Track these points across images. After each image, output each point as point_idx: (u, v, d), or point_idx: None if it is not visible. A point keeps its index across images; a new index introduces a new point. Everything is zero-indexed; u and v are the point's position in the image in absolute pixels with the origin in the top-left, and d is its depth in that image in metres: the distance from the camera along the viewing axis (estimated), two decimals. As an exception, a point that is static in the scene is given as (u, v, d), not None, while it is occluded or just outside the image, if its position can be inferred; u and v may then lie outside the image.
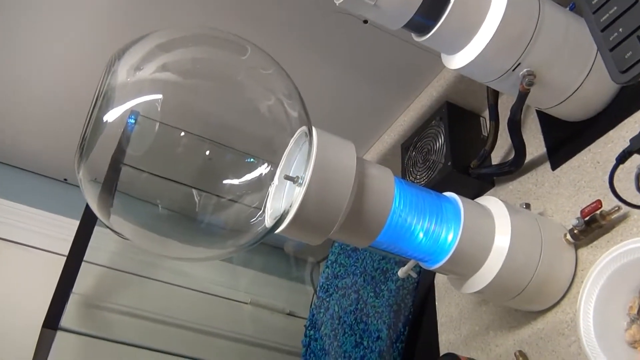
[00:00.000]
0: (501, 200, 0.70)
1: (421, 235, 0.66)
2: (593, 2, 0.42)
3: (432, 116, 1.03)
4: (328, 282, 1.18)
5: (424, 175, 0.96)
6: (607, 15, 0.41)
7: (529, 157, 0.83)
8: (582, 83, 0.72)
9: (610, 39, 0.40)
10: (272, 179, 0.65)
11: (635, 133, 0.60)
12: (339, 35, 1.00)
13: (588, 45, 0.72)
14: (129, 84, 0.60)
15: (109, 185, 0.62)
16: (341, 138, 0.66)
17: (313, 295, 1.28)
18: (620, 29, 0.39)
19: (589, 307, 0.61)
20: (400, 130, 1.11)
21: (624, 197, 0.59)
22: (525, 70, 0.70)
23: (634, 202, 0.53)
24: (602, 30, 0.41)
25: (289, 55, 1.03)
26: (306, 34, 1.01)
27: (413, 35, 0.74)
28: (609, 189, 0.47)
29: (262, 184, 0.65)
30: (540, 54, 0.70)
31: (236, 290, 1.30)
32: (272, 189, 0.65)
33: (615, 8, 0.40)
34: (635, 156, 0.50)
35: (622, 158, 0.44)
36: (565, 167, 0.77)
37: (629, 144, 0.45)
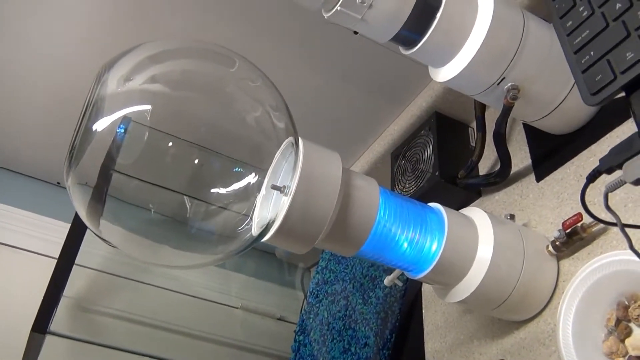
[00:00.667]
0: (485, 211, 0.71)
1: (405, 245, 0.67)
2: (567, 25, 0.43)
3: (421, 126, 1.04)
4: (318, 288, 1.19)
5: (412, 184, 0.97)
6: (580, 38, 0.42)
7: (515, 169, 0.85)
8: (565, 97, 0.74)
9: (582, 61, 0.41)
10: (259, 188, 0.66)
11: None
12: (330, 44, 1.02)
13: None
14: (119, 94, 0.61)
15: (99, 193, 0.63)
16: (327, 149, 0.67)
17: (303, 300, 1.29)
18: (592, 52, 0.41)
19: (568, 318, 0.62)
20: (390, 139, 1.12)
21: (603, 212, 0.60)
22: (509, 84, 0.71)
23: (608, 218, 0.54)
24: (575, 53, 0.42)
25: (278, 64, 1.04)
26: (297, 43, 1.02)
27: (400, 48, 0.75)
28: (581, 206, 0.48)
29: (250, 193, 0.66)
30: (525, 68, 0.71)
31: (227, 294, 1.31)
32: (259, 198, 0.67)
33: (587, 32, 0.41)
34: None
35: (593, 177, 0.45)
36: (549, 179, 0.79)
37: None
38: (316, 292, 1.19)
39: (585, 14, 0.42)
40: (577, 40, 0.42)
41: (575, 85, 0.73)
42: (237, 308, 1.30)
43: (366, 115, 1.14)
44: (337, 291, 1.12)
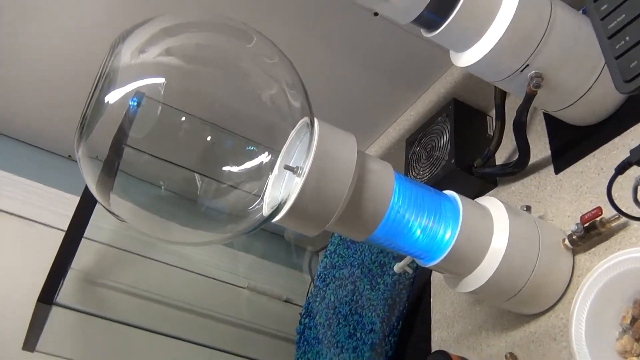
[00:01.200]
0: (501, 201, 0.70)
1: (418, 232, 0.66)
2: (601, 9, 0.41)
3: (438, 112, 1.02)
4: (326, 272, 1.18)
5: (427, 171, 0.95)
6: (615, 22, 0.40)
7: (533, 159, 0.83)
8: (590, 88, 0.71)
9: (617, 47, 0.39)
10: (272, 168, 0.65)
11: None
12: (348, 25, 1.00)
13: (598, 49, 0.71)
14: (132, 67, 0.60)
15: (110, 167, 0.62)
16: (343, 130, 0.66)
17: (310, 283, 1.29)
18: (627, 38, 0.39)
19: (582, 314, 0.61)
20: (405, 124, 1.10)
21: (625, 207, 0.58)
22: (533, 72, 0.69)
23: (633, 213, 0.52)
24: (609, 38, 0.40)
25: (296, 44, 1.02)
26: (315, 22, 1.00)
27: (422, 31, 0.73)
28: (607, 199, 0.47)
29: (262, 172, 0.65)
30: (549, 56, 0.69)
31: (235, 274, 1.30)
32: (271, 178, 0.65)
33: (623, 16, 0.39)
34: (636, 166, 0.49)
35: (622, 169, 0.43)
36: (568, 171, 0.77)
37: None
38: (324, 276, 1.18)
39: (622, -3, 0.40)
40: (611, 25, 0.40)
41: (600, 75, 0.71)
42: (243, 288, 1.29)
43: (382, 99, 1.12)
44: (344, 276, 1.12)
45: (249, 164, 0.64)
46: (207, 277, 1.28)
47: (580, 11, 0.76)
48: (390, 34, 0.99)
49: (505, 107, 0.88)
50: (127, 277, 1.21)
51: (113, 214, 0.65)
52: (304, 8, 0.98)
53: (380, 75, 1.08)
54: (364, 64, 1.07)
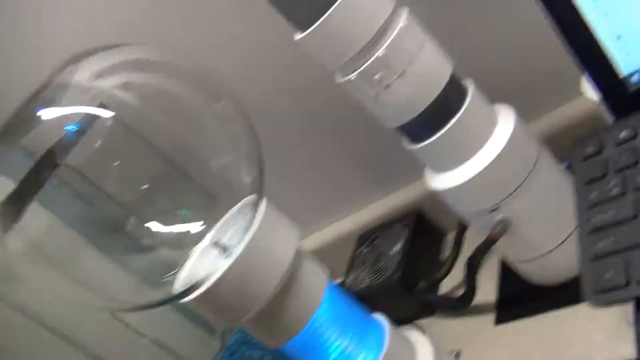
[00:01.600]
0: (430, 343, 0.64)
1: (335, 354, 0.59)
2: (590, 196, 0.37)
3: (399, 219, 0.97)
4: (236, 346, 1.09)
5: (367, 278, 0.90)
6: (600, 218, 0.36)
7: (477, 301, 0.78)
8: (554, 249, 0.68)
9: (597, 245, 0.35)
10: (200, 239, 0.58)
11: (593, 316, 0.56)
12: (334, 101, 0.94)
13: (572, 212, 0.68)
14: (84, 89, 0.53)
15: (23, 194, 0.54)
16: (289, 221, 0.60)
17: (218, 351, 1.19)
18: (612, 238, 0.34)
19: None
20: (361, 219, 1.05)
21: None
22: (501, 216, 0.66)
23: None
24: (590, 233, 0.36)
25: (276, 113, 0.96)
26: (298, 95, 0.95)
27: (403, 140, 0.69)
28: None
29: (189, 241, 0.58)
30: (522, 205, 0.65)
31: (141, 319, 1.19)
32: (196, 251, 0.59)
33: (612, 213, 0.35)
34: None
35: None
36: (509, 327, 0.72)
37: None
38: (233, 350, 1.09)
39: (614, 192, 0.36)
40: (597, 218, 0.36)
41: (567, 239, 0.68)
42: (145, 337, 1.18)
43: (347, 186, 1.06)
44: (254, 357, 1.03)
45: (175, 228, 0.58)
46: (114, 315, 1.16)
47: (565, 164, 0.73)
48: (377, 126, 0.95)
49: (465, 236, 0.84)
50: (26, 284, 1.09)
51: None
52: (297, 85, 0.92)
53: (354, 162, 1.03)
54: (341, 144, 1.02)
